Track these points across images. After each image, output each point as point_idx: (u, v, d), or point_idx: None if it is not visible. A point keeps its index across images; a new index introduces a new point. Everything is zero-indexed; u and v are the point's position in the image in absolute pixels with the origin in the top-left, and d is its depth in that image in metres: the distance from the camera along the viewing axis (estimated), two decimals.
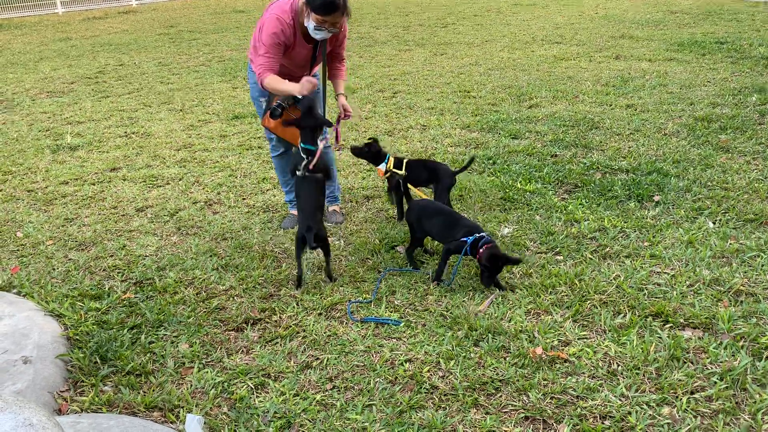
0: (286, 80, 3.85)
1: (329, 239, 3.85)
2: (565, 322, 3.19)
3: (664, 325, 3.11)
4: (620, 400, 2.65)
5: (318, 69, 4.28)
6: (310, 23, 3.73)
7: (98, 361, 3.09)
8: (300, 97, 3.86)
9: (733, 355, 2.85)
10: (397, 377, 2.89)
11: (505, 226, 4.24)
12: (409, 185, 4.35)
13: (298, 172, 3.78)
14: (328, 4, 3.60)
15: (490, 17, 14.77)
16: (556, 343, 3.04)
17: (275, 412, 2.71)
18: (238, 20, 16.92)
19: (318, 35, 3.79)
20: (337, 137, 4.34)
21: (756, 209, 4.19)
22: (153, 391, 2.89)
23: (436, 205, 3.82)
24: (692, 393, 2.67)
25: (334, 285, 3.70)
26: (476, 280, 3.61)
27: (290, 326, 3.32)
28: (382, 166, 4.31)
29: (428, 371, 2.91)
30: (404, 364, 2.97)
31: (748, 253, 3.68)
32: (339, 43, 4.15)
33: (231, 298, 3.61)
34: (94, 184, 5.52)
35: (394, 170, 4.27)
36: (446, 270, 3.67)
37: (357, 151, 4.39)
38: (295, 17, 3.80)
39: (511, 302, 3.39)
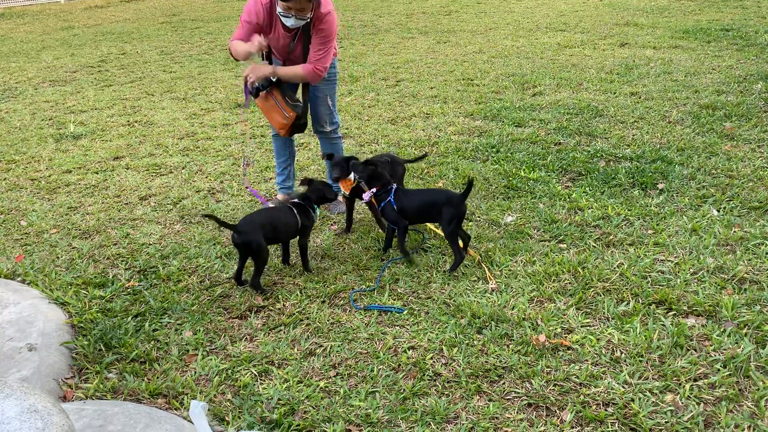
0: (243, 44, 3.91)
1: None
2: (568, 309, 3.19)
3: (668, 312, 3.11)
4: (623, 387, 2.66)
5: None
6: (279, 9, 3.78)
7: (102, 348, 3.10)
8: (273, 79, 4.02)
9: (736, 343, 2.85)
10: (400, 364, 2.90)
11: (509, 214, 4.23)
12: None
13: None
14: None
15: (494, 4, 14.68)
16: (559, 330, 3.04)
17: (279, 399, 2.72)
18: (240, 8, 16.83)
19: (288, 22, 3.82)
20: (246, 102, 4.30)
21: (761, 197, 4.17)
22: (157, 378, 2.90)
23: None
24: (695, 380, 2.67)
25: (337, 273, 3.70)
26: (472, 266, 3.61)
27: (294, 314, 3.32)
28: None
29: (431, 358, 2.92)
30: (407, 351, 2.98)
31: (753, 240, 3.67)
32: (314, 45, 3.95)
33: (234, 286, 3.62)
34: (97, 173, 5.52)
35: None
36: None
37: None
38: (272, 1, 3.81)
39: (514, 290, 3.39)
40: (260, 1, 3.83)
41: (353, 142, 5.86)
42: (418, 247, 3.94)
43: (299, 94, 4.29)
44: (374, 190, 3.74)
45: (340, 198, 4.59)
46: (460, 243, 3.65)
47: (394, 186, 3.74)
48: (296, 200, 3.74)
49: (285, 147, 4.57)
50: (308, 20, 3.85)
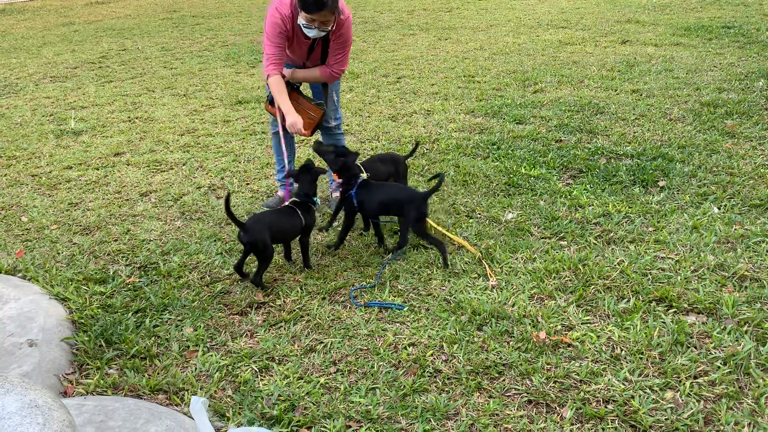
0: (286, 96, 3.93)
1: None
2: (568, 306, 3.19)
3: (668, 309, 3.11)
4: (623, 384, 2.66)
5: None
6: (301, 20, 3.76)
7: (103, 344, 3.11)
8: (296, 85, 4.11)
9: (736, 340, 2.85)
10: (400, 361, 2.90)
11: (509, 211, 4.23)
12: None
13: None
14: (315, 3, 3.59)
15: (495, 1, 14.65)
16: (559, 327, 3.04)
17: (279, 395, 2.72)
18: (241, 5, 16.82)
19: (310, 33, 3.82)
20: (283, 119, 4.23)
21: (761, 195, 4.17)
22: (158, 374, 2.90)
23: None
24: (695, 378, 2.67)
25: (338, 270, 3.70)
26: (473, 263, 3.61)
27: (294, 310, 3.33)
28: None
29: (431, 355, 2.92)
30: (408, 348, 2.98)
31: (753, 238, 3.67)
32: (333, 50, 4.03)
33: (235, 283, 3.62)
34: (98, 169, 5.52)
35: None
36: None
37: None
38: (294, 11, 3.80)
39: (514, 287, 3.39)
40: (283, 13, 3.81)
41: (354, 139, 5.86)
42: (418, 244, 3.94)
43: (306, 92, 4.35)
44: (340, 180, 3.84)
45: (336, 194, 4.60)
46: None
47: (361, 179, 3.80)
48: (296, 198, 3.73)
49: (286, 144, 4.57)
50: (330, 30, 3.86)
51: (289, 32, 3.88)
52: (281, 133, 4.15)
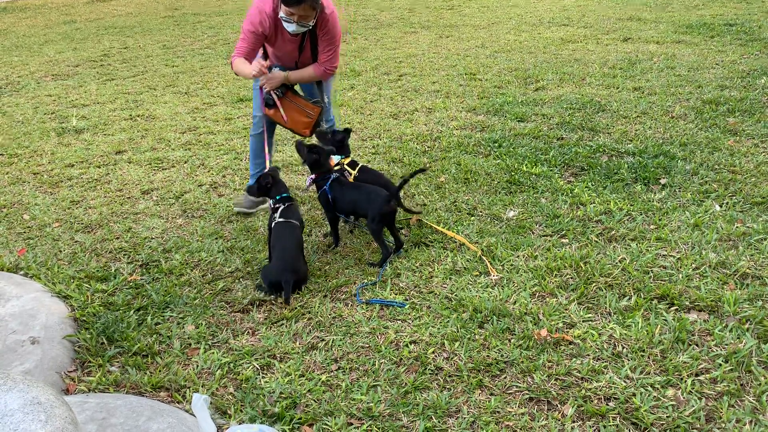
0: (248, 63, 3.86)
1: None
2: (570, 304, 3.19)
3: (670, 307, 3.11)
4: (625, 381, 2.66)
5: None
6: (281, 14, 3.75)
7: (105, 341, 3.11)
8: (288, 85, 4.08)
9: (738, 338, 2.85)
10: (401, 358, 2.90)
11: (511, 209, 4.23)
12: None
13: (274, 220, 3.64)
14: None
15: None
16: (561, 325, 3.04)
17: (281, 393, 2.72)
18: (242, 3, 16.81)
19: (290, 28, 3.80)
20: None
21: (763, 192, 4.16)
22: (159, 371, 2.91)
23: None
24: (697, 375, 2.67)
25: (339, 267, 3.71)
26: (474, 260, 3.61)
27: (295, 308, 3.33)
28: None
29: (433, 353, 2.92)
30: (409, 345, 2.98)
31: (755, 236, 3.66)
32: (322, 47, 4.00)
33: (237, 280, 3.63)
34: (99, 167, 5.53)
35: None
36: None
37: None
38: (276, 7, 3.79)
39: (516, 284, 3.39)
40: (265, 11, 3.79)
41: (355, 137, 5.85)
42: (419, 242, 3.94)
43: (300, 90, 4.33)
44: (314, 176, 3.87)
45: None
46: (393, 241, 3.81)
47: (333, 176, 3.84)
48: (287, 203, 3.71)
49: (263, 149, 4.47)
50: (310, 27, 3.84)
51: (270, 29, 3.86)
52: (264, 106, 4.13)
